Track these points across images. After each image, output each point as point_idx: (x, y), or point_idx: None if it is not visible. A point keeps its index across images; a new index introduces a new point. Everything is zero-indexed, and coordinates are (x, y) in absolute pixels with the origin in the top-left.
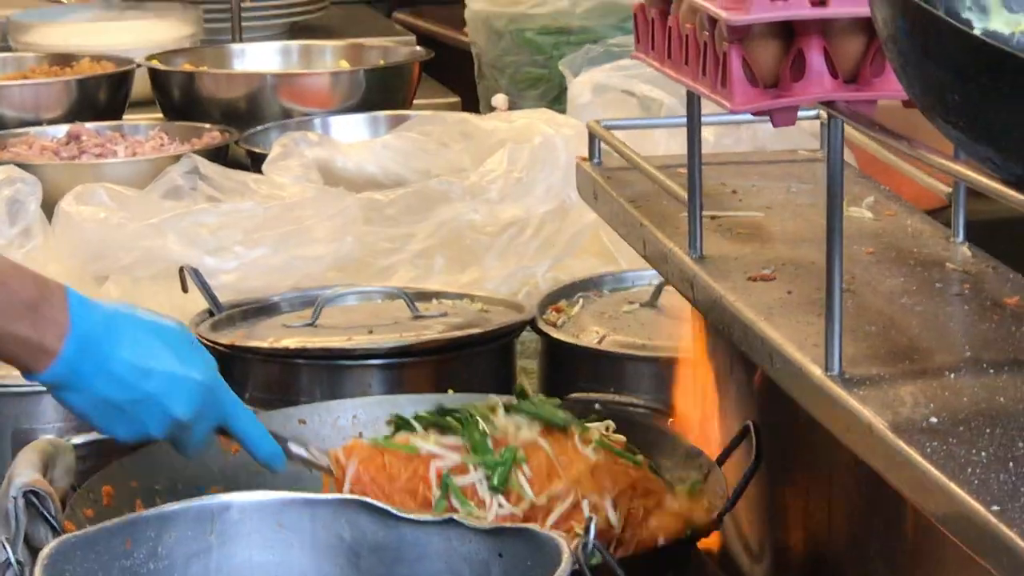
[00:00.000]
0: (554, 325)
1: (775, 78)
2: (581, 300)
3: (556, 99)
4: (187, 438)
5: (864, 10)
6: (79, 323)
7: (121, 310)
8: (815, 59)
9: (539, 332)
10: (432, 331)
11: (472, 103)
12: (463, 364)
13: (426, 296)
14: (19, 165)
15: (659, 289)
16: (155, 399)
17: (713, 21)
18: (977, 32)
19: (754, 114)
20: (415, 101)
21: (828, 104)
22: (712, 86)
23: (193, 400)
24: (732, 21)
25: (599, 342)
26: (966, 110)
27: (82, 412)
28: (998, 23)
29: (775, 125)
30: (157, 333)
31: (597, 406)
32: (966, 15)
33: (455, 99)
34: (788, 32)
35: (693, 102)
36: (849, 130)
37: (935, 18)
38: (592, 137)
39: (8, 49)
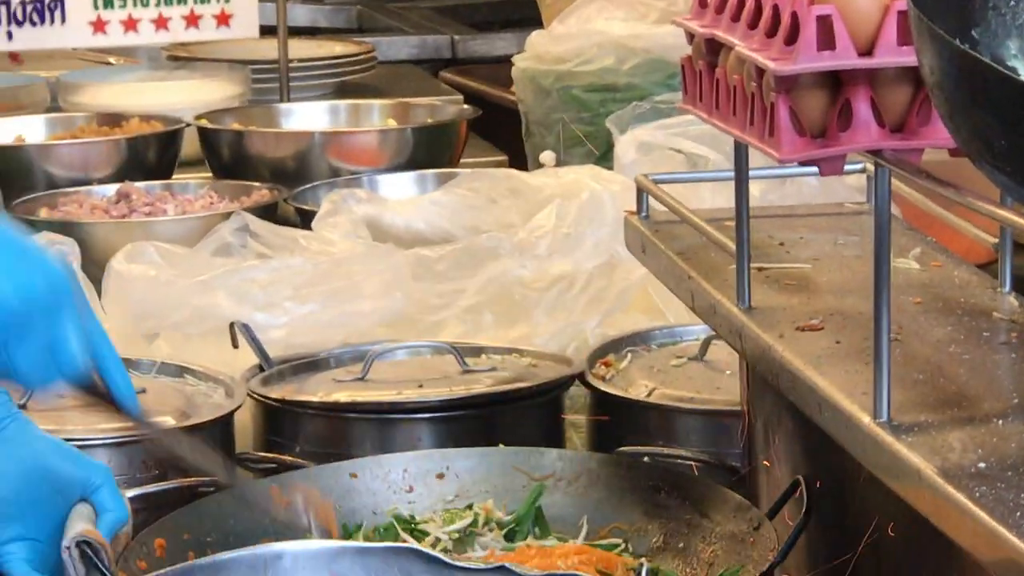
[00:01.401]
0: (603, 379)
1: (822, 128)
2: (629, 355)
3: (603, 156)
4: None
5: (910, 60)
6: None
7: None
8: (862, 108)
9: (588, 386)
10: (481, 385)
11: (519, 162)
12: (512, 418)
13: (475, 351)
14: (70, 224)
15: (707, 343)
16: None
17: (760, 72)
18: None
19: (801, 163)
20: (462, 160)
21: (875, 153)
22: (760, 136)
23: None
24: (779, 71)
25: (648, 395)
26: (1013, 155)
27: None
28: None
29: (822, 174)
30: None
31: (646, 459)
32: (1012, 62)
33: (503, 157)
34: (835, 82)
35: (740, 153)
36: (896, 183)
37: (982, 64)
38: (640, 191)
39: (58, 109)
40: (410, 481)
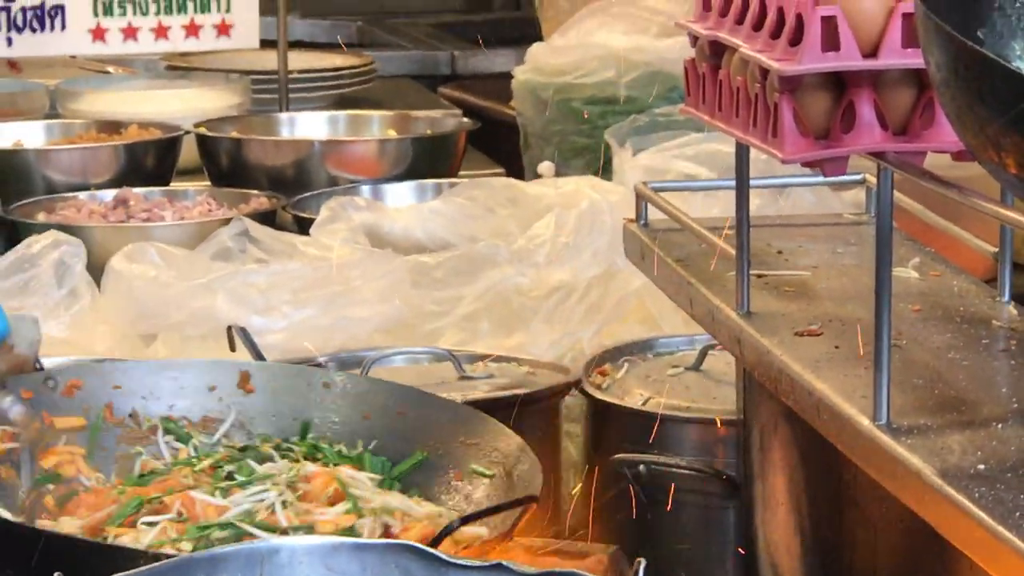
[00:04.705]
0: (599, 387)
1: (825, 129)
2: (626, 364)
3: (602, 168)
4: None
5: (914, 62)
6: None
7: None
8: (865, 110)
9: (584, 394)
10: (478, 391)
11: (517, 176)
12: (509, 424)
13: (472, 358)
14: (68, 228)
15: (704, 353)
16: None
17: (764, 73)
18: None
19: (804, 164)
20: (460, 172)
21: (878, 155)
22: (763, 137)
23: None
24: (784, 71)
25: (644, 404)
26: (1019, 153)
27: None
28: None
29: (825, 174)
30: None
31: (641, 467)
32: (1017, 63)
33: (500, 170)
34: (839, 84)
35: (742, 158)
36: (897, 195)
37: (990, 62)
38: (639, 199)
39: (57, 116)
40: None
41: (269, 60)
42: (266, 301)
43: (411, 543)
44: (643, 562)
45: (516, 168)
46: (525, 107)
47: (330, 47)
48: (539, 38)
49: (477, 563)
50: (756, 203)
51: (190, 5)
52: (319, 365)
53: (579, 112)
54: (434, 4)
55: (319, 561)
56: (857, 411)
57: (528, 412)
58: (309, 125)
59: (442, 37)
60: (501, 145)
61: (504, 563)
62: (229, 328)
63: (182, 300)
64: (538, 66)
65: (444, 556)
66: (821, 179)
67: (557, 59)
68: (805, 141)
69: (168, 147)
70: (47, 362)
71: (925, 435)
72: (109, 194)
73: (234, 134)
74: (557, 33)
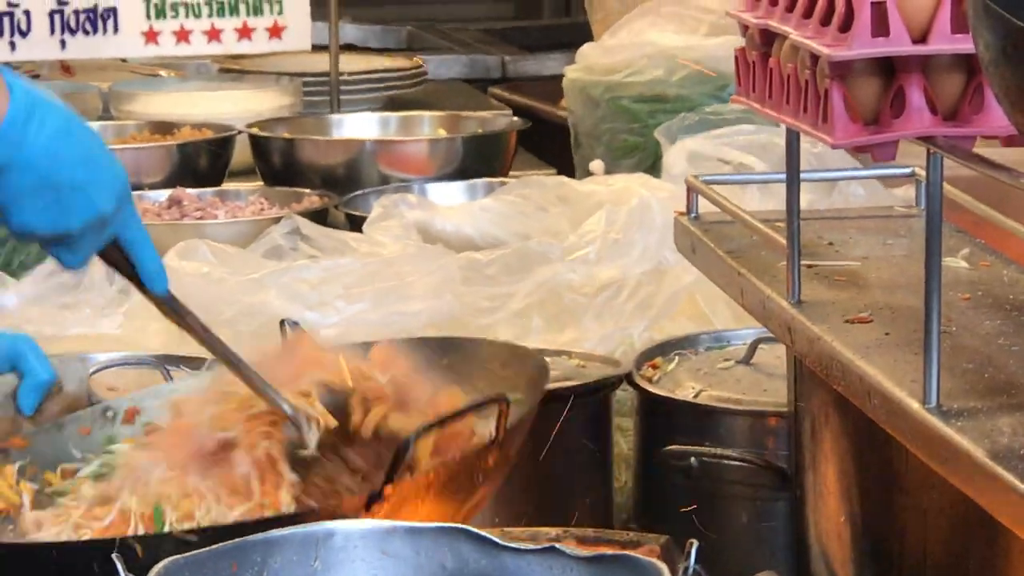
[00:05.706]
0: (650, 380)
1: (875, 115)
2: (677, 358)
3: (652, 167)
4: (84, 245)
5: (964, 47)
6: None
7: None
8: (915, 95)
9: (635, 387)
10: None
11: (568, 175)
12: (560, 416)
13: None
14: None
15: (754, 346)
16: (86, 187)
17: (815, 59)
18: None
19: (854, 150)
20: (511, 172)
21: (928, 140)
22: (813, 122)
23: (117, 195)
24: (834, 57)
25: (695, 396)
26: None
27: (8, 198)
28: None
29: (875, 159)
30: (85, 129)
31: (693, 460)
32: None
33: (551, 170)
34: (888, 69)
35: (792, 146)
36: (947, 187)
37: None
38: (690, 191)
39: (110, 118)
40: None
41: (319, 63)
42: (318, 296)
43: (465, 527)
44: (695, 543)
45: (567, 170)
46: (576, 106)
47: (381, 51)
48: (589, 42)
49: (531, 546)
50: (807, 198)
51: (242, 8)
52: None
53: (629, 110)
54: (484, 11)
55: (374, 545)
56: (907, 395)
57: (579, 405)
58: (360, 126)
59: (492, 42)
60: (551, 146)
61: (558, 546)
62: (282, 322)
63: (234, 296)
64: (589, 65)
65: (498, 540)
66: (871, 171)
67: (607, 58)
68: (855, 126)
69: (221, 147)
70: (103, 357)
71: (975, 418)
72: (163, 194)
73: (286, 134)
74: (607, 33)
